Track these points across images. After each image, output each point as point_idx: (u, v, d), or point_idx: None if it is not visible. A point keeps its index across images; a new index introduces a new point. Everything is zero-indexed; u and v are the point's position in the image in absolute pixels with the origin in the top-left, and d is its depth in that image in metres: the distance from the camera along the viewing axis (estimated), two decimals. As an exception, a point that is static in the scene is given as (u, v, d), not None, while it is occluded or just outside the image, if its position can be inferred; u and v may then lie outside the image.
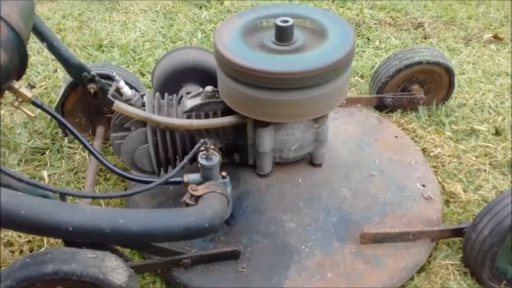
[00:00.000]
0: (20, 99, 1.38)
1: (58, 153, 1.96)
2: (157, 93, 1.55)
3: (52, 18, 2.92)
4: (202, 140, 1.33)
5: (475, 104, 2.15)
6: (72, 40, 2.69)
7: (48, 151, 1.96)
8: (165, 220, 1.16)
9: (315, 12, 1.51)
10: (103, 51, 2.61)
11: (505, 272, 1.41)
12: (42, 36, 1.64)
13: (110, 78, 1.84)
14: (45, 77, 2.38)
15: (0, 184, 1.09)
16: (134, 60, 2.52)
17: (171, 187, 1.66)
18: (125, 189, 1.79)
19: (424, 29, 2.78)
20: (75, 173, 1.87)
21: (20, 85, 1.37)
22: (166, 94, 1.56)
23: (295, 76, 1.29)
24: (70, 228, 1.04)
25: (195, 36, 2.73)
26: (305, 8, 1.55)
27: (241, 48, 1.37)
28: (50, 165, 1.90)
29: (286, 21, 1.36)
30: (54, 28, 2.81)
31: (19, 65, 1.35)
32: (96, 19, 2.91)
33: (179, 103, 1.56)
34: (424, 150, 1.90)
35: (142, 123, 1.47)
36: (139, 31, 2.78)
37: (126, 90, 1.47)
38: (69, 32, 2.78)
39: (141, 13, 2.99)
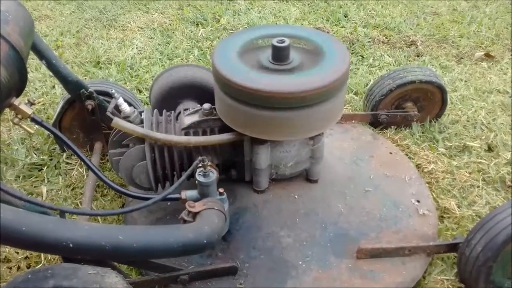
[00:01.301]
0: (19, 116, 1.39)
1: (56, 169, 1.97)
2: (155, 110, 1.57)
3: (50, 35, 2.95)
4: (200, 158, 1.34)
5: (468, 121, 2.19)
6: (70, 57, 2.72)
7: (45, 167, 1.97)
8: (164, 236, 1.17)
9: (310, 33, 1.55)
10: (100, 67, 2.63)
11: (501, 286, 1.43)
12: (41, 54, 1.66)
13: (107, 94, 1.87)
14: (43, 94, 2.40)
15: (0, 201, 1.10)
16: (131, 77, 2.54)
17: (169, 203, 1.67)
18: (123, 205, 1.80)
19: (417, 47, 2.83)
20: (73, 189, 1.88)
21: (19, 102, 1.38)
22: (164, 111, 1.58)
23: (292, 96, 1.32)
24: (71, 245, 1.04)
25: (191, 53, 2.77)
26: (300, 29, 1.59)
27: (238, 67, 1.40)
28: (48, 181, 1.91)
29: (282, 41, 1.39)
30: (52, 45, 2.84)
31: (19, 82, 1.37)
32: (93, 36, 2.94)
33: (176, 120, 1.58)
34: (418, 166, 1.93)
35: (140, 139, 1.49)
36: (136, 48, 2.81)
37: (125, 107, 1.49)
38: (67, 49, 2.80)
39: (138, 30, 3.03)
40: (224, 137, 1.50)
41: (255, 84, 1.33)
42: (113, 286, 1.20)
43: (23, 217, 1.03)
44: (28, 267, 1.59)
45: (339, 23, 3.10)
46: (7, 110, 1.41)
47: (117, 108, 1.51)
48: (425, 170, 1.91)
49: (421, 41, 2.87)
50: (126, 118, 1.49)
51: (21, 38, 1.38)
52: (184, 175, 1.34)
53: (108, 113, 1.46)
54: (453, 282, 1.50)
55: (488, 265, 1.38)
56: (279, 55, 1.40)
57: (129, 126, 1.45)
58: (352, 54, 2.77)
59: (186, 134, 1.52)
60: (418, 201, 1.70)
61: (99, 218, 1.74)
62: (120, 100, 1.49)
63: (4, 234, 1.00)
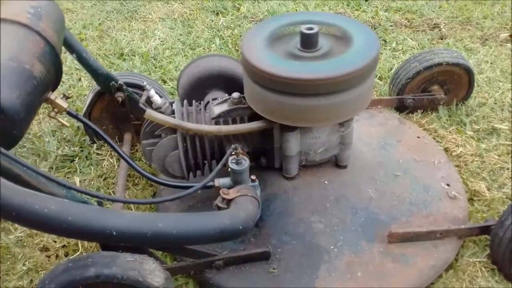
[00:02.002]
0: (56, 110, 1.43)
1: (87, 160, 2.01)
2: (185, 101, 1.59)
3: (73, 28, 2.98)
4: (233, 146, 1.37)
5: (495, 103, 2.17)
6: (93, 49, 2.76)
7: (77, 158, 2.02)
8: (201, 223, 1.20)
9: (338, 19, 1.54)
10: (124, 59, 2.66)
11: (534, 268, 1.43)
12: (71, 48, 1.70)
13: (136, 86, 1.90)
14: (70, 86, 2.44)
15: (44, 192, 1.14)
16: (155, 68, 2.57)
17: (199, 191, 1.70)
18: (154, 194, 1.84)
19: (440, 30, 2.79)
20: (104, 179, 1.93)
21: (56, 96, 1.42)
22: (193, 102, 1.61)
23: (322, 82, 1.32)
24: (114, 233, 1.08)
25: (213, 43, 2.78)
26: (327, 15, 1.58)
27: (268, 55, 1.41)
28: (80, 172, 1.96)
29: (311, 28, 1.40)
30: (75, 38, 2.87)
31: (55, 77, 1.41)
32: (116, 28, 2.97)
33: (205, 109, 1.61)
34: (446, 150, 1.92)
35: (172, 130, 1.52)
36: (159, 39, 2.83)
37: (156, 99, 1.52)
38: (90, 42, 2.84)
39: (159, 21, 3.05)
40: (254, 125, 1.51)
41: (285, 71, 1.34)
42: (151, 272, 1.24)
43: (68, 207, 1.07)
44: (66, 255, 1.64)
45: (360, 8, 3.07)
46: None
47: (148, 99, 1.54)
48: (454, 153, 1.90)
49: (444, 23, 2.83)
50: (157, 109, 1.52)
51: (55, 33, 1.41)
52: (220, 163, 1.37)
53: (141, 105, 1.49)
54: (485, 264, 1.51)
55: (522, 247, 1.38)
56: (308, 42, 1.41)
57: (161, 117, 1.48)
58: (374, 38, 2.75)
59: (216, 123, 1.54)
60: (448, 185, 1.70)
61: (131, 206, 1.78)
62: (152, 92, 1.51)
63: (51, 223, 1.04)
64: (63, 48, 1.67)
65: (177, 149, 1.51)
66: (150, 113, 1.47)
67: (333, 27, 1.50)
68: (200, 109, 1.59)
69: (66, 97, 1.46)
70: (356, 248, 1.50)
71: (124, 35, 2.89)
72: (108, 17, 3.13)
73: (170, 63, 2.59)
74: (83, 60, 1.74)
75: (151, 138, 1.56)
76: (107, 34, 2.92)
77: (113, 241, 1.14)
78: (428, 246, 1.50)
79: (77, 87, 2.44)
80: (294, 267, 1.47)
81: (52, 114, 1.43)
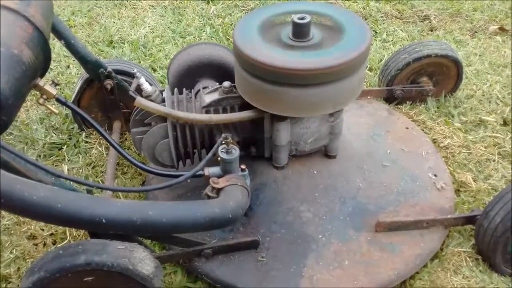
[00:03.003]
0: (45, 96, 1.42)
1: (75, 148, 2.00)
2: (176, 89, 1.59)
3: (62, 15, 2.94)
4: (223, 135, 1.37)
5: (483, 95, 2.19)
6: (82, 36, 2.73)
7: (65, 146, 2.00)
8: (191, 211, 1.21)
9: (330, 9, 1.54)
10: (114, 47, 2.64)
11: (517, 257, 1.46)
12: (59, 35, 1.68)
13: (125, 73, 1.89)
14: (58, 74, 2.42)
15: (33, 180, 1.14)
16: (145, 56, 2.55)
17: (189, 180, 1.70)
18: (143, 182, 1.84)
19: (430, 22, 2.81)
20: (93, 167, 1.92)
21: (44, 83, 1.40)
22: (184, 90, 1.60)
23: (313, 72, 1.33)
24: (104, 221, 1.08)
25: (204, 31, 2.76)
26: (320, 5, 1.58)
27: (259, 44, 1.40)
28: (68, 160, 1.94)
29: (303, 18, 1.40)
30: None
31: (43, 63, 1.39)
32: (105, 15, 2.94)
33: (195, 98, 1.60)
34: (434, 141, 1.94)
35: (162, 118, 1.51)
36: (149, 26, 2.81)
37: (147, 87, 1.51)
38: (79, 29, 2.81)
39: (149, 8, 3.02)
40: (245, 114, 1.51)
41: (276, 61, 1.34)
42: (141, 260, 1.25)
43: (57, 195, 1.07)
44: (54, 244, 1.64)
45: (351, -2, 3.07)
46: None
47: (138, 87, 1.53)
48: (441, 144, 1.92)
49: (434, 15, 2.84)
50: (148, 97, 1.51)
51: (44, 19, 1.39)
52: (210, 152, 1.37)
53: (131, 93, 1.48)
54: (470, 254, 1.54)
55: (506, 236, 1.41)
56: (300, 31, 1.41)
57: (152, 105, 1.47)
58: (365, 29, 2.75)
59: (207, 112, 1.54)
60: (435, 175, 1.72)
61: (120, 194, 1.78)
62: (142, 80, 1.50)
63: (40, 211, 1.04)
64: (51, 35, 1.66)
65: (167, 137, 1.51)
66: (140, 101, 1.46)
67: (325, 17, 1.51)
68: (190, 98, 1.58)
69: (55, 84, 1.45)
70: (344, 237, 1.52)
71: (114, 22, 2.86)
72: (97, 3, 3.09)
73: (160, 51, 2.58)
74: (71, 47, 1.72)
75: (141, 127, 1.56)
76: (96, 21, 2.88)
77: (103, 229, 1.14)
78: (415, 235, 1.53)
79: (65, 74, 2.41)
80: (282, 256, 1.48)
81: (41, 100, 1.42)
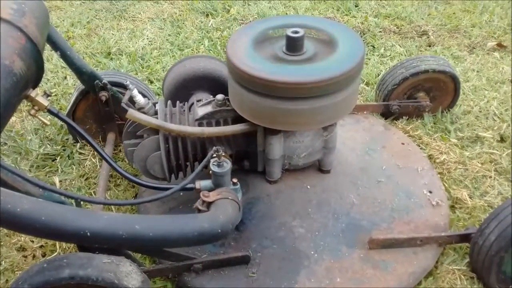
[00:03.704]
0: (36, 107, 1.41)
1: (69, 159, 1.99)
2: (169, 101, 1.58)
3: (61, 26, 2.96)
4: (214, 148, 1.35)
5: (480, 112, 2.18)
6: (81, 47, 2.73)
7: (59, 157, 1.99)
8: (180, 225, 1.19)
9: (324, 23, 1.54)
10: (111, 58, 2.64)
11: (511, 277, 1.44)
12: (55, 46, 1.68)
13: (121, 85, 1.88)
14: (55, 84, 2.42)
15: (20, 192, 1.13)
16: (143, 68, 2.55)
17: (182, 193, 1.68)
18: (136, 195, 1.82)
19: (428, 37, 2.81)
20: (86, 179, 1.90)
21: (36, 94, 1.40)
22: (177, 102, 1.59)
23: (307, 86, 1.32)
24: (89, 234, 1.06)
25: (202, 44, 2.77)
26: (313, 19, 1.58)
27: (252, 58, 1.40)
28: (61, 171, 1.93)
29: (296, 32, 1.40)
30: (63, 36, 2.84)
31: (36, 74, 1.39)
32: (104, 27, 2.95)
33: (189, 111, 1.60)
34: (430, 157, 1.93)
35: (155, 130, 1.50)
36: (147, 38, 2.81)
37: (139, 99, 1.50)
38: (77, 40, 2.82)
39: (148, 21, 3.03)
40: (238, 127, 1.51)
41: (269, 74, 1.34)
42: (127, 274, 1.22)
43: (42, 207, 1.05)
44: (43, 256, 1.62)
45: (350, 13, 3.08)
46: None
47: (131, 99, 1.53)
48: (437, 160, 1.91)
49: (432, 30, 2.85)
50: (140, 109, 1.50)
51: (38, 30, 1.39)
52: (200, 165, 1.36)
53: (123, 104, 1.47)
54: (464, 272, 1.51)
55: (501, 255, 1.39)
56: (293, 45, 1.40)
57: (144, 117, 1.47)
58: (363, 44, 2.75)
59: (200, 125, 1.53)
60: (430, 192, 1.71)
61: (112, 208, 1.76)
62: (135, 92, 1.50)
63: (24, 223, 1.02)
64: (49, 46, 1.66)
65: (159, 150, 1.50)
66: (132, 113, 1.46)
67: (319, 31, 1.50)
68: (184, 110, 1.58)
69: (47, 95, 1.44)
70: (337, 253, 1.50)
71: (112, 34, 2.87)
72: (97, 15, 3.11)
73: (157, 63, 2.58)
74: (67, 58, 1.72)
75: (133, 139, 1.55)
76: (95, 33, 2.89)
77: (88, 242, 1.12)
78: (408, 253, 1.50)
79: (62, 85, 2.41)
80: (273, 272, 1.46)
81: (32, 112, 1.41)
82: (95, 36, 2.85)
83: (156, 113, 1.52)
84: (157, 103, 1.55)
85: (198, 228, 1.20)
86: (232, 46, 1.45)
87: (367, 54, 2.67)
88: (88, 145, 1.99)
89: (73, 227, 1.05)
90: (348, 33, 1.48)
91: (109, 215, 1.13)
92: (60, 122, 2.14)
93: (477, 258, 1.44)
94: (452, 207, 1.72)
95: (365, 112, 2.13)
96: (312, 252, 1.50)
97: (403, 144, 1.94)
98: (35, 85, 1.42)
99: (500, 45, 2.68)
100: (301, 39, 1.39)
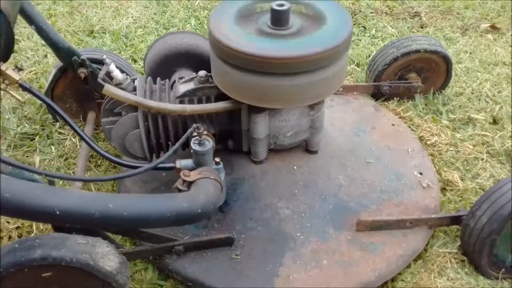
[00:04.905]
0: (7, 82, 1.33)
1: (48, 139, 1.92)
2: (149, 78, 1.51)
3: (42, 4, 2.85)
4: (194, 125, 1.29)
5: (472, 93, 2.13)
6: (62, 25, 2.64)
7: (37, 137, 1.92)
8: (157, 205, 1.13)
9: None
10: (94, 37, 2.55)
11: (504, 260, 1.40)
12: (30, 19, 1.60)
13: (101, 62, 1.80)
14: (34, 63, 2.33)
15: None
16: (126, 46, 2.47)
17: (164, 173, 1.63)
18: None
19: (420, 19, 2.74)
20: (65, 159, 1.84)
21: (6, 67, 1.32)
22: (158, 79, 1.52)
23: (291, 61, 1.25)
24: (57, 212, 1.00)
25: (188, 23, 2.69)
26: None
27: (235, 32, 1.33)
28: (40, 151, 1.86)
29: (282, 5, 1.32)
30: (44, 13, 2.75)
31: (5, 47, 1.31)
32: (87, 5, 2.85)
33: (171, 88, 1.53)
34: (421, 139, 1.88)
35: (133, 108, 1.43)
36: (132, 17, 2.72)
37: (117, 74, 1.43)
38: (59, 18, 2.72)
39: (133, -1, 2.93)
40: (220, 105, 1.44)
41: (252, 48, 1.27)
42: (104, 256, 1.17)
43: (7, 184, 0.98)
44: (19, 237, 1.55)
45: (341, -7, 3.00)
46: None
47: (108, 75, 1.45)
48: (428, 142, 1.86)
49: (425, 12, 2.78)
50: (118, 85, 1.43)
51: (8, 0, 1.31)
52: (179, 142, 1.29)
53: (99, 79, 1.40)
54: (455, 255, 1.47)
55: (493, 238, 1.35)
56: (279, 19, 1.33)
57: (121, 93, 1.39)
58: (354, 25, 2.69)
59: (181, 102, 1.46)
60: (421, 174, 1.66)
61: (92, 187, 1.70)
62: (112, 67, 1.42)
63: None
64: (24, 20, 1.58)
65: (138, 128, 1.43)
66: (109, 88, 1.38)
67: (306, 6, 1.43)
68: (164, 87, 1.51)
69: (19, 69, 1.37)
70: (323, 235, 1.45)
71: (96, 12, 2.77)
72: (80, -7, 3.00)
73: (142, 42, 2.50)
74: (42, 32, 1.63)
75: (111, 116, 1.47)
76: (78, 11, 2.79)
77: (58, 221, 1.06)
78: (397, 235, 1.46)
79: (42, 64, 2.32)
80: (258, 254, 1.41)
81: (3, 86, 1.34)
82: (77, 14, 2.75)
83: (135, 89, 1.45)
84: (136, 79, 1.48)
85: (177, 208, 1.14)
86: (214, 19, 1.37)
87: (358, 35, 2.60)
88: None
89: (40, 204, 0.98)
90: (336, 9, 1.42)
91: (81, 193, 1.07)
92: (39, 101, 2.06)
93: (468, 241, 1.40)
94: (443, 190, 1.68)
95: (354, 93, 2.07)
96: (298, 234, 1.45)
97: (393, 125, 1.88)
98: (5, 58, 1.34)
99: (493, 27, 2.62)
100: (286, 13, 1.32)
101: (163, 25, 2.66)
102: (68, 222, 1.06)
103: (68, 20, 2.69)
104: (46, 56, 2.37)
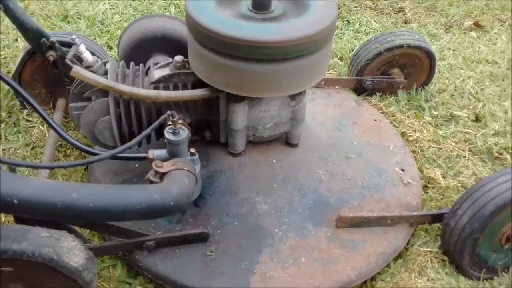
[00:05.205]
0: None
1: (15, 126, 1.82)
2: (122, 62, 1.43)
3: (15, -14, 2.72)
4: (169, 112, 1.21)
5: (455, 90, 2.10)
6: (35, 9, 2.52)
7: (3, 124, 1.81)
8: (125, 196, 1.05)
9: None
10: (68, 22, 2.44)
11: (486, 259, 1.36)
12: (-5, -4, 1.49)
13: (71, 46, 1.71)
14: (4, 47, 2.21)
15: None
16: (102, 33, 2.37)
17: (137, 164, 1.55)
18: (86, 167, 1.67)
19: (404, 14, 2.71)
20: (32, 148, 1.74)
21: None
22: (132, 63, 1.44)
23: (272, 45, 1.19)
24: (15, 201, 0.92)
25: (168, 11, 2.60)
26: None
27: (214, 13, 1.26)
28: (6, 139, 1.76)
29: (264, -13, 1.26)
30: (16, -4, 2.62)
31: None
32: (62, -11, 2.73)
33: (146, 74, 1.45)
34: (403, 134, 1.84)
35: (104, 92, 1.35)
36: (108, 3, 2.62)
37: (87, 56, 1.34)
38: (33, 1, 2.59)
39: (111, -16, 2.82)
40: (197, 92, 1.37)
41: (231, 31, 1.20)
42: (69, 250, 1.09)
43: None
44: (-20, 230, 1.45)
45: (325, -13, 2.95)
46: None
47: (78, 58, 1.36)
48: (410, 138, 1.82)
49: (409, 8, 2.75)
50: (88, 68, 1.34)
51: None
52: (149, 128, 1.21)
53: (67, 61, 1.31)
54: (436, 255, 1.43)
55: (474, 237, 1.31)
56: (260, 3, 1.27)
57: (91, 76, 1.31)
58: (338, 18, 2.64)
59: (156, 88, 1.39)
60: (402, 170, 1.62)
61: (60, 179, 1.61)
62: (82, 47, 1.34)
63: None
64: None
65: (109, 114, 1.34)
66: (77, 70, 1.29)
67: (290, -10, 1.37)
68: (138, 73, 1.42)
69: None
70: (302, 231, 1.39)
71: (71, -4, 2.66)
72: (55, -23, 2.87)
73: (118, 28, 2.40)
74: (9, 11, 1.54)
75: (80, 101, 1.39)
76: (53, -6, 2.67)
77: (16, 212, 0.98)
78: (378, 232, 1.41)
79: (12, 48, 2.21)
80: (233, 251, 1.34)
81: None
82: (52, -2, 2.64)
83: (106, 73, 1.36)
84: (107, 62, 1.39)
85: (147, 200, 1.06)
86: (192, 1, 1.30)
87: (341, 28, 2.55)
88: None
89: (-5, 193, 0.90)
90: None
91: (43, 182, 0.98)
92: (7, 87, 1.95)
93: (449, 240, 1.36)
94: (425, 187, 1.64)
95: (337, 87, 2.02)
96: (276, 230, 1.39)
97: (375, 120, 1.84)
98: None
99: (477, 25, 2.60)
100: (269, -5, 1.25)
101: (141, 12, 2.56)
102: (28, 213, 0.97)
103: (42, 4, 2.57)
104: (16, 40, 2.26)
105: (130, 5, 2.62)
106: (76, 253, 1.09)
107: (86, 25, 2.41)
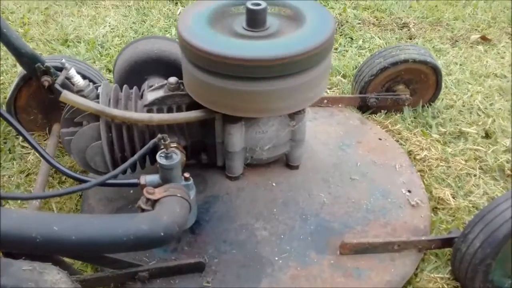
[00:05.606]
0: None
1: (10, 153, 1.78)
2: (115, 85, 1.38)
3: (17, 12, 2.73)
4: (160, 135, 1.16)
5: (463, 106, 2.03)
6: (36, 34, 2.51)
7: (-2, 151, 1.78)
8: (111, 227, 0.99)
9: (292, -2, 1.36)
10: (68, 46, 2.43)
11: (501, 286, 1.27)
12: (-11, 21, 1.46)
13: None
14: (2, 72, 2.20)
15: None
16: (101, 56, 2.35)
17: (131, 191, 1.50)
18: (81, 194, 1.62)
19: (409, 30, 2.66)
20: (27, 175, 1.70)
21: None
22: (125, 86, 1.40)
23: (267, 63, 1.14)
24: (-9, 236, 0.86)
25: (168, 33, 2.57)
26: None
27: (207, 33, 1.22)
28: (0, 166, 1.72)
29: (258, 4, 1.22)
30: (17, 22, 2.63)
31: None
32: (63, 13, 2.73)
33: (140, 97, 1.40)
34: (409, 153, 1.76)
35: (95, 117, 1.30)
36: (109, 26, 2.60)
37: (78, 80, 1.30)
38: (33, 26, 2.59)
39: (112, 8, 2.82)
40: (192, 114, 1.32)
41: (226, 50, 1.15)
42: (54, 284, 1.02)
43: None
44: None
45: (328, 4, 2.91)
46: None
47: (70, 81, 1.33)
48: (418, 157, 1.74)
49: (413, 23, 2.70)
50: (79, 92, 1.30)
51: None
52: (135, 155, 1.16)
53: (56, 85, 1.27)
54: (448, 281, 1.35)
55: (487, 263, 1.22)
56: (254, 19, 1.23)
57: (81, 100, 1.26)
58: (340, 35, 2.60)
59: (149, 111, 1.34)
60: (409, 191, 1.54)
61: (54, 207, 1.56)
62: (72, 71, 1.30)
63: None
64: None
65: (100, 139, 1.29)
66: (66, 95, 1.25)
67: (285, 7, 1.32)
68: (132, 96, 1.38)
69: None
70: (304, 259, 1.32)
71: (72, 20, 2.65)
72: (56, 1, 2.88)
73: (118, 51, 2.36)
74: (3, 36, 1.50)
75: (71, 126, 1.34)
76: (53, 19, 2.67)
77: (-8, 246, 0.91)
78: (384, 259, 1.33)
79: (10, 73, 2.19)
80: (231, 281, 1.27)
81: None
82: (52, 23, 2.63)
83: (98, 97, 1.32)
84: (100, 86, 1.35)
85: (134, 230, 1.00)
86: (184, 19, 1.26)
87: (344, 46, 2.51)
88: (35, 137, 1.79)
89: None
90: (316, 9, 1.31)
91: (20, 213, 0.93)
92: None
93: (459, 267, 1.28)
94: (434, 208, 1.56)
95: (340, 105, 1.96)
96: (276, 258, 1.32)
97: (380, 139, 1.77)
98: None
99: (484, 38, 2.54)
100: (263, 12, 1.21)
101: (142, 34, 2.54)
102: (4, 247, 0.91)
103: (42, 29, 2.56)
104: (15, 65, 2.24)
105: (131, 27, 2.60)
106: (61, 286, 1.03)
107: (86, 48, 2.39)
